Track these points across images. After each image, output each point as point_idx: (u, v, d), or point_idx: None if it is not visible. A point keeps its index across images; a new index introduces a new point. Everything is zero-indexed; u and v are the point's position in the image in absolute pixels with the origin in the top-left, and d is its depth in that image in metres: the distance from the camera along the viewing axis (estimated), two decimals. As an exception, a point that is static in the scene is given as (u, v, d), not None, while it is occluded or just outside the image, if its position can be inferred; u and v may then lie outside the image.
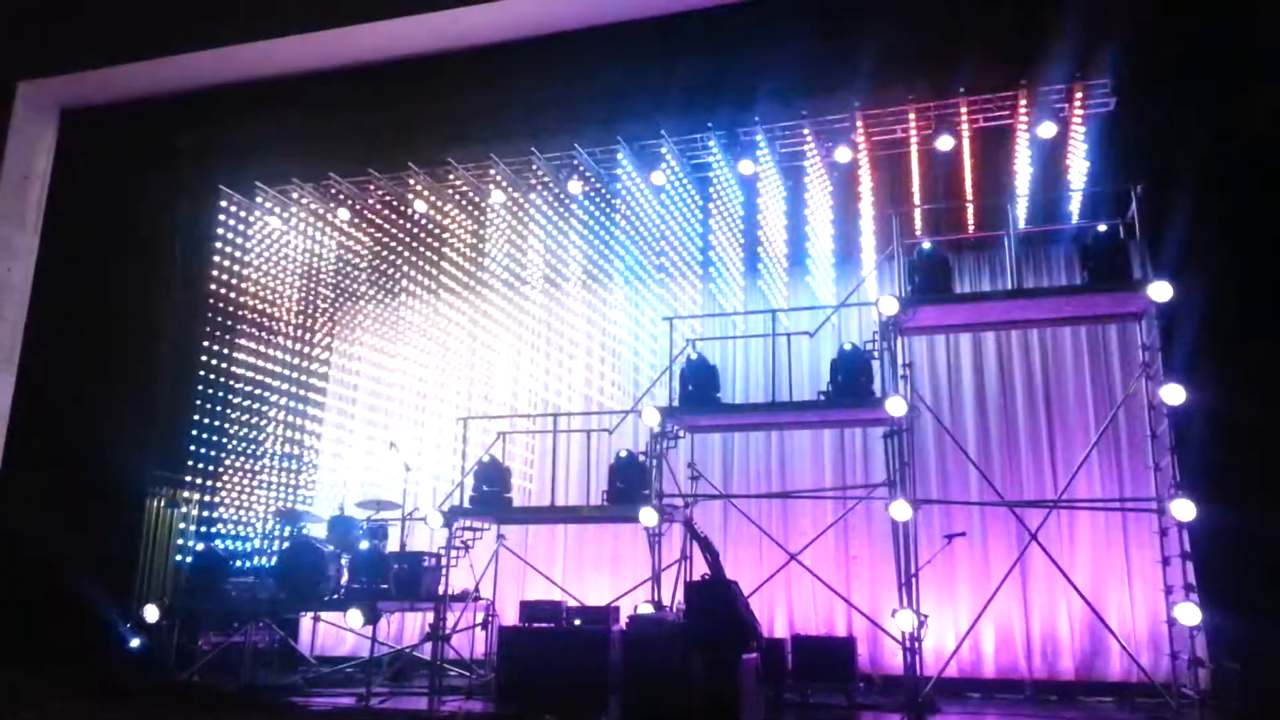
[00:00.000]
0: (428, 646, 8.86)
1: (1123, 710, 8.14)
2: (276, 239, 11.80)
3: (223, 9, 9.83)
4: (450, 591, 8.96)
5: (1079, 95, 9.01)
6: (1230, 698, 7.27)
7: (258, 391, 11.44)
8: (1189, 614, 7.13)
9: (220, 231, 11.14)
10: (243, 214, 11.39)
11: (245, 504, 11.25)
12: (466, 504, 9.10)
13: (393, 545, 9.88)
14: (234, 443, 11.10)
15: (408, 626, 11.03)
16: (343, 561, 9.38)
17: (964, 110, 9.34)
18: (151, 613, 9.13)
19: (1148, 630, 8.80)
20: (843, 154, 9.75)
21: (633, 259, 10.98)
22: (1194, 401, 7.54)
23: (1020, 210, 9.37)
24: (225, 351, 11.07)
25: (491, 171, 10.69)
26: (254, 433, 11.37)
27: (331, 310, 12.61)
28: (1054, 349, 10.00)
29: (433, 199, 11.30)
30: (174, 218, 11.01)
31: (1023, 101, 9.17)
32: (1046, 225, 9.76)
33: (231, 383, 11.11)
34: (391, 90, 9.96)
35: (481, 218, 11.44)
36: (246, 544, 11.19)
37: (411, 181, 11.03)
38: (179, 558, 10.44)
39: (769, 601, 9.83)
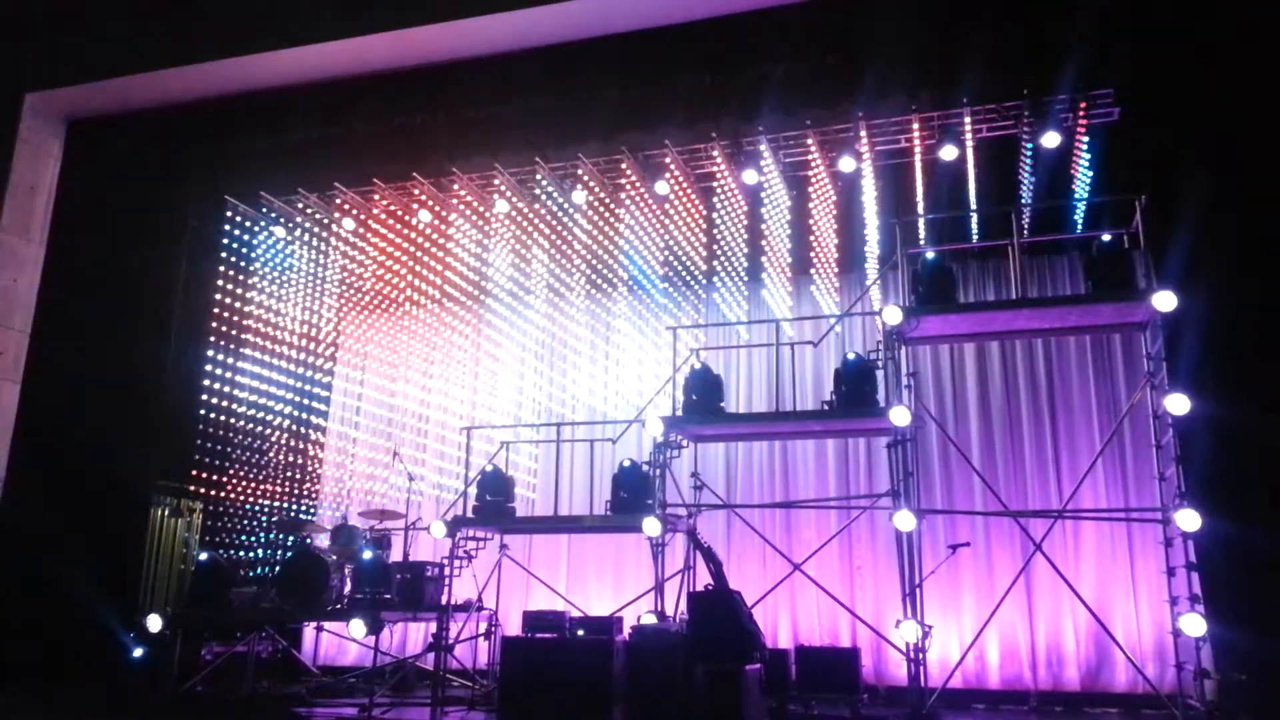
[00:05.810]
0: (430, 657, 8.83)
1: (1128, 721, 8.12)
2: (281, 249, 11.83)
3: (227, 21, 9.89)
4: (453, 601, 8.96)
5: (1083, 105, 9.00)
6: (1236, 709, 7.23)
7: (262, 401, 11.45)
8: (1194, 625, 7.10)
9: (225, 241, 11.17)
10: (248, 224, 11.42)
11: (249, 513, 11.25)
12: (470, 514, 9.09)
13: (396, 555, 9.88)
14: (238, 452, 11.09)
15: (410, 637, 11.00)
16: (346, 571, 9.38)
17: (968, 120, 9.34)
18: (154, 622, 9.13)
19: (1153, 641, 8.78)
20: (847, 163, 9.75)
21: (636, 269, 10.99)
22: (1199, 411, 7.52)
23: (1024, 220, 9.36)
24: (230, 361, 11.07)
25: (495, 181, 10.69)
26: (258, 442, 11.37)
27: (336, 320, 12.62)
28: (1058, 359, 9.98)
29: (437, 209, 11.31)
30: (179, 228, 11.03)
31: (1027, 111, 9.17)
32: (1051, 235, 9.76)
33: (236, 392, 11.11)
34: (396, 101, 10.01)
35: (485, 227, 11.45)
36: (250, 554, 11.19)
37: (416, 191, 11.04)
38: (182, 567, 10.45)
39: (772, 612, 9.82)
